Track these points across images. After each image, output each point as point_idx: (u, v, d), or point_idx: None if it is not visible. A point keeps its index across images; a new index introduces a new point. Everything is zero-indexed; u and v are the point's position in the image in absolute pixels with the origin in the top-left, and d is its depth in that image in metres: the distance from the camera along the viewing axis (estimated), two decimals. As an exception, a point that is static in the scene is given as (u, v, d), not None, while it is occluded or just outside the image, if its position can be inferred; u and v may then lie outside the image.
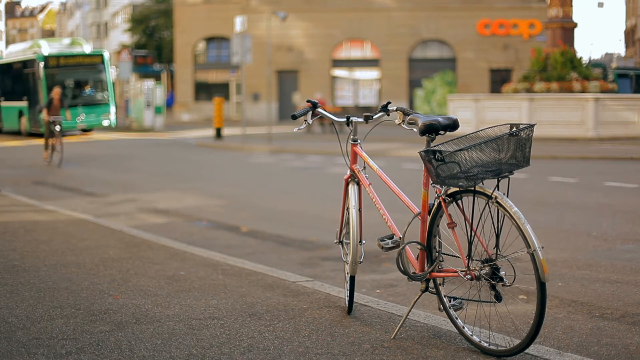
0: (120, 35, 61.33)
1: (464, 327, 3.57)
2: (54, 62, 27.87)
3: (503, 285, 3.32)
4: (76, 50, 29.62)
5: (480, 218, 3.34)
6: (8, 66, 32.00)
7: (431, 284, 3.68)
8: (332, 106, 35.68)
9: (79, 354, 3.46)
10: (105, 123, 28.62)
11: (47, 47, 29.14)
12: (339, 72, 41.93)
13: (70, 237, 6.89)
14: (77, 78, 28.70)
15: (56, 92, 17.22)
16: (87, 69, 28.86)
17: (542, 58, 23.38)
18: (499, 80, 38.00)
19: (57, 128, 16.57)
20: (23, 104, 29.46)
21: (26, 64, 29.41)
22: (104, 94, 28.80)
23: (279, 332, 3.81)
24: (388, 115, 4.07)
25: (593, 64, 30.91)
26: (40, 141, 19.99)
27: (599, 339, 4.01)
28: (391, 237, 3.82)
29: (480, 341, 3.49)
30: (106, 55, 29.64)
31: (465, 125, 19.74)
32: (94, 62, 28.91)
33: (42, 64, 27.48)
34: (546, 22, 24.80)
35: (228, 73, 43.17)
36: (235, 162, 17.74)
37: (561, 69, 22.73)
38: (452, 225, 3.44)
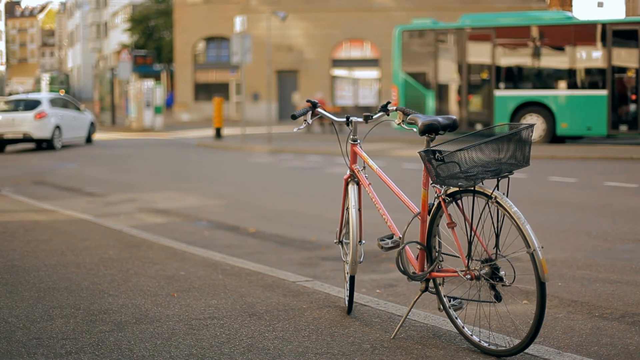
0: (120, 35, 61.32)
1: (463, 327, 3.58)
2: None
3: (503, 285, 3.32)
4: None
5: (480, 218, 3.34)
6: None
7: (431, 284, 3.68)
8: (332, 106, 35.65)
9: (79, 354, 3.47)
10: None
11: None
12: (338, 72, 41.90)
13: (70, 237, 6.89)
14: None
15: None
16: None
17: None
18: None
19: None
20: None
21: None
22: None
23: (279, 332, 3.81)
24: (388, 115, 4.08)
25: None
26: None
27: (598, 339, 4.01)
28: (391, 237, 3.82)
29: (480, 341, 3.49)
30: None
31: (465, 125, 19.81)
32: None
33: None
34: (546, 22, 24.77)
35: (228, 73, 43.17)
36: (235, 162, 17.74)
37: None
38: (452, 225, 3.45)
